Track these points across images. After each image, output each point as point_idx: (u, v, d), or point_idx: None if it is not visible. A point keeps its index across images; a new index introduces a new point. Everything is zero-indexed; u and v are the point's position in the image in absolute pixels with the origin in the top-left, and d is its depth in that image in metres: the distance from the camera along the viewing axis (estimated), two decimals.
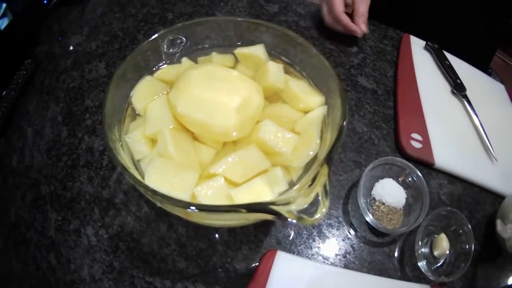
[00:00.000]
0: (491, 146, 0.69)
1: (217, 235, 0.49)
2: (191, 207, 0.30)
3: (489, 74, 2.48)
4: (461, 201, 0.62)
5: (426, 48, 0.84)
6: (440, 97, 0.77)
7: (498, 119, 0.79)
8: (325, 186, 0.31)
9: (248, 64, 0.47)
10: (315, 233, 0.51)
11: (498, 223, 0.57)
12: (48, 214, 0.50)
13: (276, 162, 0.39)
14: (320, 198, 0.31)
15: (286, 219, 0.29)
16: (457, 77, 0.79)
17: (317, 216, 0.30)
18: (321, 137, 0.41)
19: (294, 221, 0.29)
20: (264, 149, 0.39)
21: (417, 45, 0.84)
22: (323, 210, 0.30)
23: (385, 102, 0.71)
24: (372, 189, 0.55)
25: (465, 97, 0.76)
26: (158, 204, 0.34)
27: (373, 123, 0.67)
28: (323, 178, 0.31)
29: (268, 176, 0.37)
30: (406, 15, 0.98)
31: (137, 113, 0.43)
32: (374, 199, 0.54)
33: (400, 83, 0.75)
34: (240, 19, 0.48)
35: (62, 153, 0.56)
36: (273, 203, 0.30)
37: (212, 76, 0.40)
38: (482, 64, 1.06)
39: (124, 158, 0.35)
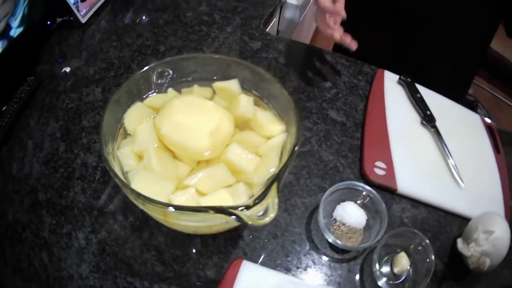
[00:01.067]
0: (459, 173, 0.76)
1: (193, 250, 0.57)
2: (168, 207, 0.39)
3: (475, 106, 2.58)
4: (425, 224, 0.68)
5: (399, 82, 0.92)
6: (408, 127, 0.84)
7: (469, 147, 0.87)
8: (274, 198, 0.40)
9: (223, 96, 0.56)
10: (278, 248, 0.59)
11: (459, 241, 0.63)
12: (44, 218, 0.58)
13: (240, 178, 0.48)
14: (270, 207, 0.39)
15: (241, 219, 0.37)
16: (427, 108, 0.86)
17: (266, 219, 0.38)
18: (280, 159, 0.49)
19: (249, 222, 0.38)
20: (231, 167, 0.48)
21: (390, 79, 0.93)
22: (271, 215, 0.38)
23: (353, 133, 0.79)
24: (333, 210, 0.63)
25: (434, 127, 0.84)
26: (141, 207, 0.42)
27: (340, 153, 0.75)
28: (273, 192, 0.40)
29: (232, 189, 0.46)
30: (384, 50, 1.07)
31: (128, 132, 0.52)
32: (335, 219, 0.62)
33: (369, 115, 0.83)
34: (217, 57, 0.58)
35: (59, 165, 0.64)
36: (233, 207, 0.38)
37: (191, 105, 0.50)
38: (460, 94, 1.19)
39: (115, 168, 0.44)
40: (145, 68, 0.54)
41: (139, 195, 0.39)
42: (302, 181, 0.69)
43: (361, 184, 0.64)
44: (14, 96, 0.72)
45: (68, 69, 0.81)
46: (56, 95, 0.75)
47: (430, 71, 1.09)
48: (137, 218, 0.59)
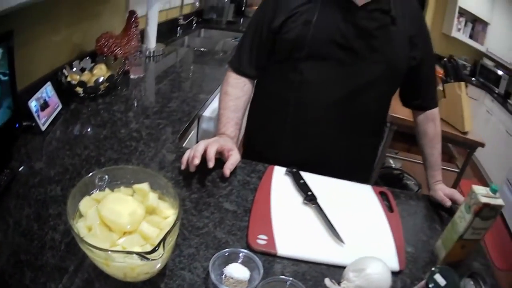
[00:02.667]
0: (338, 234, 1.04)
1: None
2: (108, 252, 0.77)
3: (402, 178, 3.08)
4: (306, 275, 0.93)
5: (286, 173, 1.27)
6: (291, 206, 1.14)
7: (360, 212, 1.18)
8: (163, 248, 0.78)
9: (139, 193, 0.94)
10: None
11: (326, 280, 0.87)
12: (25, 272, 0.85)
13: (148, 242, 0.85)
14: (163, 252, 0.78)
15: (147, 258, 0.76)
16: (308, 190, 1.17)
17: (159, 259, 0.77)
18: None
19: (151, 259, 0.76)
20: (143, 235, 0.86)
21: (278, 172, 1.27)
22: (163, 257, 0.77)
23: (242, 217, 1.08)
24: (225, 268, 0.91)
25: (316, 203, 1.14)
26: (88, 254, 0.80)
27: (231, 232, 1.03)
28: (161, 247, 0.79)
29: (143, 247, 0.84)
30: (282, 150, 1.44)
31: (82, 214, 0.89)
32: (225, 275, 0.89)
33: (256, 202, 1.12)
34: (136, 168, 0.99)
35: (34, 238, 0.92)
36: (142, 252, 0.76)
37: (119, 198, 0.89)
38: (364, 177, 1.57)
39: (75, 231, 0.81)
40: (90, 174, 0.91)
41: (86, 242, 0.76)
42: (201, 252, 0.97)
43: (242, 250, 0.92)
44: None
45: (34, 168, 1.18)
46: (27, 188, 1.09)
47: (330, 163, 1.42)
48: (90, 273, 0.88)
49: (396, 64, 1.36)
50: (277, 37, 1.37)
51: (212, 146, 1.20)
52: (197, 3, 3.53)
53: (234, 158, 1.25)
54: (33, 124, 1.37)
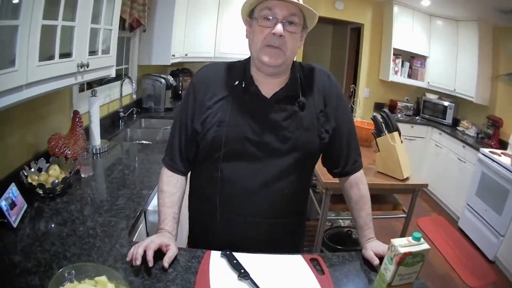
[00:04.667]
0: None
1: None
2: None
3: (350, 232, 3.45)
4: None
5: (221, 256, 1.46)
6: (227, 283, 1.32)
7: (292, 279, 1.37)
8: None
9: (100, 284, 1.28)
10: None
11: None
12: None
13: None
14: None
15: None
16: (241, 268, 1.36)
17: None
18: None
19: None
20: None
21: (215, 255, 1.47)
22: None
23: None
24: None
25: (249, 278, 1.32)
26: None
27: None
28: None
29: None
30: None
31: None
32: None
33: (197, 284, 1.32)
34: (95, 265, 1.40)
35: None
36: None
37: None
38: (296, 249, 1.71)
39: None
40: (61, 270, 1.23)
41: None
42: None
43: None
44: None
45: (14, 260, 1.53)
46: (10, 278, 1.42)
47: (258, 243, 1.57)
48: None
49: (309, 148, 1.50)
50: (198, 137, 1.55)
51: (149, 249, 1.39)
52: (134, 95, 3.96)
53: (171, 252, 1.44)
54: (6, 220, 1.72)
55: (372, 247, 1.54)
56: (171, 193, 1.63)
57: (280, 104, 1.49)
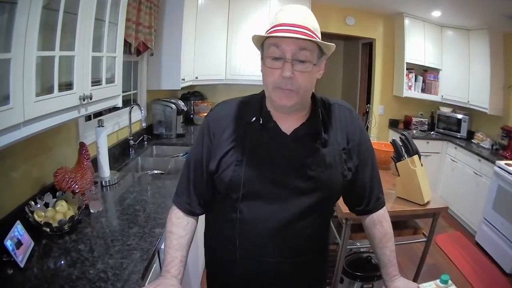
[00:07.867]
0: None
1: None
2: None
3: (370, 258, 3.60)
4: None
5: None
6: None
7: None
8: None
9: None
10: None
11: None
12: None
13: None
14: None
15: None
16: None
17: None
18: None
19: None
20: None
21: None
22: None
23: None
24: None
25: None
26: None
27: None
28: None
29: None
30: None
31: None
32: None
33: None
34: None
35: None
36: None
37: None
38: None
39: None
40: None
41: None
42: None
43: None
44: None
45: None
46: None
47: (279, 284, 1.58)
48: None
49: (331, 187, 1.46)
50: (215, 177, 1.50)
51: None
52: (144, 123, 3.91)
53: None
54: (12, 259, 1.69)
55: (396, 287, 1.51)
56: (180, 235, 1.58)
57: (300, 141, 1.45)
